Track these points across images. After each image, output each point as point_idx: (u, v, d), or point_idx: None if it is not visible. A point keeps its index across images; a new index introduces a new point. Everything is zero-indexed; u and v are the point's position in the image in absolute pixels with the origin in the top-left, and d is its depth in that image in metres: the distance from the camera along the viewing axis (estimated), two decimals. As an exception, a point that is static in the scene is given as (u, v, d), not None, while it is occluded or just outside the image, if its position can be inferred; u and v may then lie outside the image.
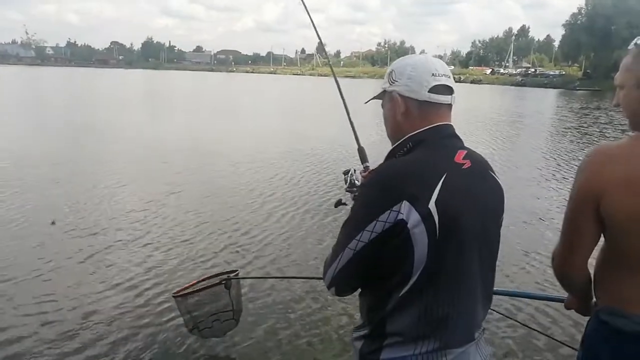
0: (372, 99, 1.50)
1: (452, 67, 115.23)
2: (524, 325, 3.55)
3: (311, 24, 2.59)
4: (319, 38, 2.68)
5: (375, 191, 1.25)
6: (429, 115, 1.32)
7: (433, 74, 1.31)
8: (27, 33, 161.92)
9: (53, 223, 5.78)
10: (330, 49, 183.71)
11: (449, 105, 1.35)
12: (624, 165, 1.35)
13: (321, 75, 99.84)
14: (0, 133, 12.67)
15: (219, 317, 3.27)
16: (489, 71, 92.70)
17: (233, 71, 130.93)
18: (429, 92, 1.30)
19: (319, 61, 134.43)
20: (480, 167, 1.35)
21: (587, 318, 1.57)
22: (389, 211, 1.18)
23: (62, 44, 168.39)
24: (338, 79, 2.54)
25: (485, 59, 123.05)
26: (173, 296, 3.21)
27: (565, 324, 3.83)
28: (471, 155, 1.33)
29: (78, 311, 3.82)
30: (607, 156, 1.41)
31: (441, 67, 1.33)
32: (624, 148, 1.40)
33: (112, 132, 13.81)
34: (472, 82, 78.93)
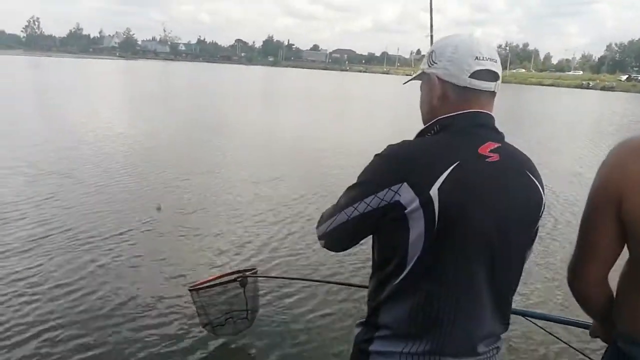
0: (410, 79, 1.42)
1: (581, 72, 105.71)
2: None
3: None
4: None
5: (380, 166, 1.20)
6: (468, 101, 1.21)
7: (477, 57, 1.19)
8: (164, 31, 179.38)
9: (159, 209, 6.13)
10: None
11: (492, 93, 1.23)
12: None
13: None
14: (147, 126, 13.88)
15: (233, 315, 3.24)
16: (624, 77, 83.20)
17: (346, 70, 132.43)
18: (469, 77, 1.20)
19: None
20: (512, 164, 1.21)
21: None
22: (387, 189, 1.13)
23: (194, 41, 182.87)
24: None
25: (621, 64, 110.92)
26: (189, 289, 3.23)
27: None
28: (505, 150, 1.20)
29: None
30: (634, 150, 1.15)
31: (487, 49, 1.21)
32: None
33: (244, 129, 14.43)
34: (603, 88, 71.61)
